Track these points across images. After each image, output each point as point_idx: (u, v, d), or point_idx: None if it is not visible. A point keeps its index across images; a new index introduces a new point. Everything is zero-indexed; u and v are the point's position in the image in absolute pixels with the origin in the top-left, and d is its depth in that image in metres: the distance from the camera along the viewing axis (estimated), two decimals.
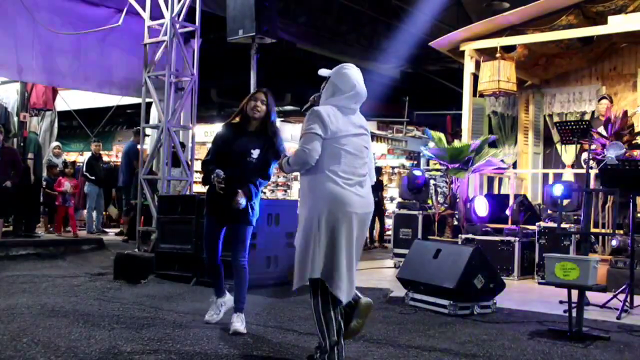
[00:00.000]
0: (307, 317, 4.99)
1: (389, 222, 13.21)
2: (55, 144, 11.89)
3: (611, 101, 8.90)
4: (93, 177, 11.53)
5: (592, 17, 8.73)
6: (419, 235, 8.52)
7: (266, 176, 4.53)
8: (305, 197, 3.61)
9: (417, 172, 9.23)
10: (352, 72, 3.76)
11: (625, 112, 8.02)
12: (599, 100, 9.04)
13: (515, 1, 9.95)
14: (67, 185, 10.50)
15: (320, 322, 3.48)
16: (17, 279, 6.58)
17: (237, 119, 4.58)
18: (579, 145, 6.98)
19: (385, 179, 16.22)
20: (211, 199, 4.55)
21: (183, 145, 8.99)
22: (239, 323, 4.37)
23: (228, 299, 4.71)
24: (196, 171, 9.22)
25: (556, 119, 10.65)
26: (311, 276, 3.48)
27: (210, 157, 4.56)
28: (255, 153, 4.42)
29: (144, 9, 8.13)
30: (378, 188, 12.59)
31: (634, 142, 7.83)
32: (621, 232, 7.17)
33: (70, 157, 15.54)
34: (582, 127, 5.89)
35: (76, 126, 15.85)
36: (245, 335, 4.31)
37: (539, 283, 7.27)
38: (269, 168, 4.51)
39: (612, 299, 5.65)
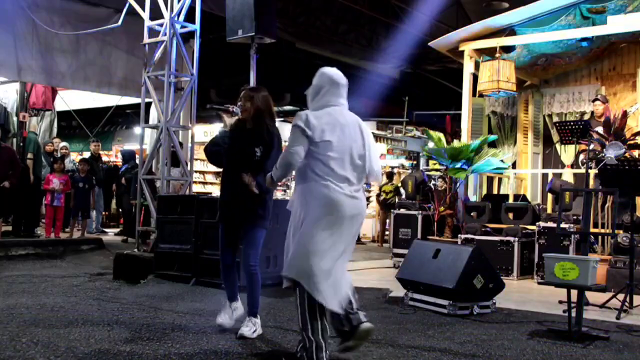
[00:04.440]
0: None
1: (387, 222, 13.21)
2: (63, 144, 11.80)
3: (605, 101, 8.88)
4: (92, 177, 11.51)
5: (592, 17, 8.75)
6: (419, 235, 8.53)
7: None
8: (299, 199, 3.63)
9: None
10: (328, 69, 3.78)
11: (625, 112, 8.03)
12: (593, 101, 9.08)
13: (515, 1, 9.96)
14: (55, 182, 9.86)
15: (305, 321, 3.48)
16: (17, 279, 6.58)
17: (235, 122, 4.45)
18: (578, 145, 6.99)
19: (383, 178, 16.22)
20: (222, 204, 4.47)
21: (181, 144, 8.98)
22: (247, 328, 4.25)
23: (240, 305, 4.53)
24: (196, 171, 9.22)
25: (555, 118, 10.66)
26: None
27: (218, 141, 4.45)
28: (259, 151, 4.33)
29: (143, 9, 8.12)
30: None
31: (633, 141, 7.83)
32: (621, 232, 7.17)
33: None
34: (581, 127, 5.89)
35: (75, 126, 15.87)
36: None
37: (539, 283, 7.28)
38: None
39: (611, 298, 5.66)
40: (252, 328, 4.26)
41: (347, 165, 3.59)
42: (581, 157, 8.79)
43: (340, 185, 3.54)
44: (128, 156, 11.41)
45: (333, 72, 3.75)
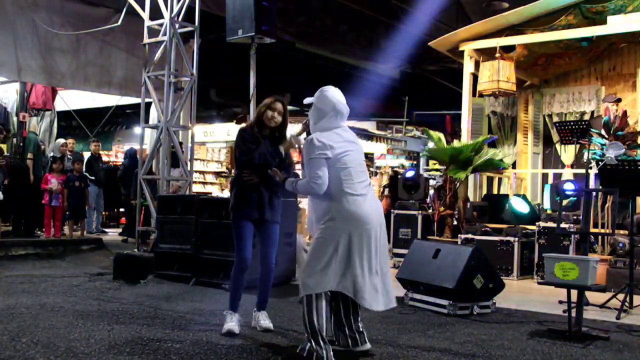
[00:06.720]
0: None
1: None
2: (62, 141, 11.74)
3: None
4: (92, 177, 11.50)
5: (592, 17, 8.75)
6: (419, 235, 8.53)
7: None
8: (322, 216, 3.73)
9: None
10: (331, 92, 3.87)
11: (625, 112, 8.03)
12: (614, 102, 8.89)
13: (515, 1, 9.95)
14: (53, 182, 9.70)
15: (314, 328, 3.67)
16: (17, 279, 6.58)
17: (252, 124, 4.50)
18: (578, 145, 6.98)
19: (384, 179, 16.23)
20: (242, 202, 4.40)
21: (181, 144, 8.97)
22: (267, 321, 4.49)
23: (239, 318, 4.45)
24: (196, 171, 9.22)
25: (555, 118, 10.66)
26: (330, 288, 3.67)
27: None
28: (276, 162, 4.36)
29: (143, 9, 8.12)
30: None
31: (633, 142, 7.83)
32: (621, 232, 7.17)
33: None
34: (581, 127, 5.89)
35: (75, 126, 15.85)
36: (237, 335, 4.29)
37: (539, 283, 7.28)
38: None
39: (611, 298, 5.66)
40: (268, 320, 4.52)
41: (363, 174, 3.81)
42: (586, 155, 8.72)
43: (365, 196, 3.73)
44: (125, 155, 11.45)
45: (337, 98, 3.84)
